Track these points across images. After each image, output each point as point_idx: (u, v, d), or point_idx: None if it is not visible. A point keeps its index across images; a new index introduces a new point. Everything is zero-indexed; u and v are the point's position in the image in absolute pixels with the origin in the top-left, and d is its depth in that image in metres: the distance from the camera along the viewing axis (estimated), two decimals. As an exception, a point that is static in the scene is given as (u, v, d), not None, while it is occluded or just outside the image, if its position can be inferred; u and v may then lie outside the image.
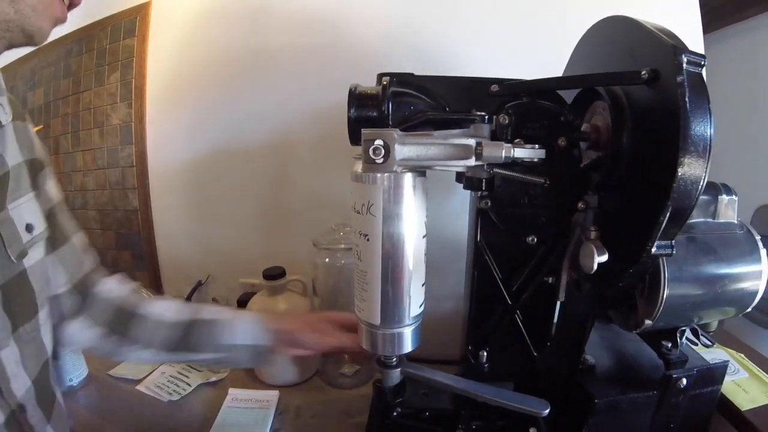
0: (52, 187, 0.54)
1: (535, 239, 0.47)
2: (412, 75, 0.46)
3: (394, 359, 0.51)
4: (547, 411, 0.47)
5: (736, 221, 0.53)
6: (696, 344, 0.61)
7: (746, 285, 0.50)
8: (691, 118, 0.35)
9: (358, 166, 0.42)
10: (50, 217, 0.52)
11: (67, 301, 0.56)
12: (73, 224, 0.57)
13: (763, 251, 0.50)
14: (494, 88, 0.45)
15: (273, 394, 0.73)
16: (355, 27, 0.77)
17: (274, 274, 0.77)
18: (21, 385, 0.45)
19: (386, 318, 0.45)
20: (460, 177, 0.52)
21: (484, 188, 0.43)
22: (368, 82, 0.74)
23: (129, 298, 0.60)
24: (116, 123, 0.90)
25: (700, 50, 0.78)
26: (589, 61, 0.52)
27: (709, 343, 0.55)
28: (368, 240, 0.43)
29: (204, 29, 0.84)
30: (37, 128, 0.97)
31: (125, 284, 0.62)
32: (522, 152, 0.39)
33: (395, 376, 0.52)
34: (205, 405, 0.72)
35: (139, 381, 0.77)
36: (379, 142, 0.37)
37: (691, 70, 0.36)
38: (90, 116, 0.93)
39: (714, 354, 0.57)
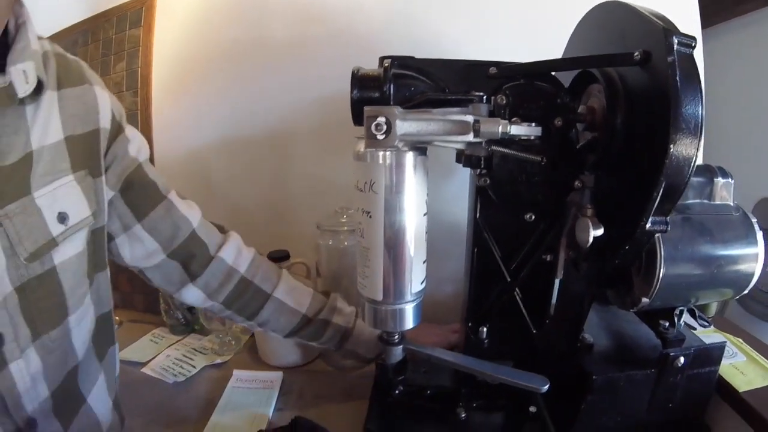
0: (134, 149, 0.52)
1: (533, 216, 0.50)
2: (412, 58, 0.48)
3: (396, 336, 0.53)
4: (547, 387, 0.48)
5: (732, 203, 0.54)
6: (695, 328, 0.63)
7: (742, 266, 0.51)
8: (683, 97, 0.37)
9: (361, 145, 0.44)
10: (130, 182, 0.50)
11: (170, 271, 0.56)
12: (163, 181, 0.56)
13: (759, 233, 0.52)
14: (492, 70, 0.47)
15: (277, 375, 0.75)
16: (354, 16, 0.80)
17: (279, 256, 0.79)
18: (34, 398, 0.42)
19: (388, 294, 0.47)
20: (460, 157, 0.54)
21: (483, 166, 0.45)
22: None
23: (249, 270, 0.60)
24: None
25: (699, 44, 0.80)
26: (584, 46, 0.54)
27: (706, 323, 0.57)
28: (370, 217, 0.45)
29: (208, 20, 0.87)
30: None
31: (244, 251, 0.62)
32: (518, 129, 0.41)
33: (398, 352, 0.54)
34: (210, 386, 0.75)
35: (144, 364, 0.80)
36: (381, 118, 0.39)
37: (682, 50, 0.38)
38: None
39: (712, 338, 0.58)
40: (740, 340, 0.64)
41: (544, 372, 0.50)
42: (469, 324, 0.56)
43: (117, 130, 0.50)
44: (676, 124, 0.37)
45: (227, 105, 0.89)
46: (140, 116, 0.91)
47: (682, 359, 0.52)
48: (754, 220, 0.53)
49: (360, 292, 0.51)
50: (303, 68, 0.84)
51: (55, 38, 0.97)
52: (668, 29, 0.38)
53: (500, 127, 0.40)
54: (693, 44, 0.38)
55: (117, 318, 0.95)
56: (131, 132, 0.53)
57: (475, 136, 0.40)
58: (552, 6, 0.75)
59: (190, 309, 0.91)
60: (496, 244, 0.52)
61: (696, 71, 0.39)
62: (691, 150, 0.39)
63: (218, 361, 0.81)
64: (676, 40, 0.38)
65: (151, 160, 0.91)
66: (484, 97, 0.44)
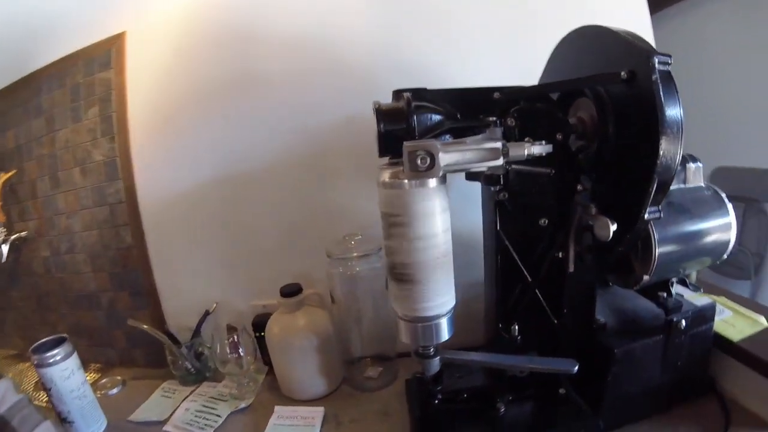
0: None
1: (546, 221, 0.59)
2: (425, 90, 0.55)
3: (432, 349, 0.61)
4: (576, 368, 0.58)
5: (703, 184, 0.67)
6: (682, 295, 0.76)
7: (719, 236, 0.64)
8: (666, 108, 0.48)
9: (387, 174, 0.50)
10: None
11: None
12: None
13: (729, 205, 0.65)
14: (496, 95, 0.56)
15: (318, 410, 0.80)
16: (341, 46, 0.87)
17: (291, 291, 0.84)
18: None
19: (427, 310, 0.54)
20: (470, 175, 0.63)
21: (502, 183, 0.54)
22: (359, 101, 0.85)
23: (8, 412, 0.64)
24: (99, 159, 0.93)
25: (648, 30, 0.94)
26: (566, 67, 0.65)
27: (698, 288, 0.69)
28: (407, 240, 0.51)
29: (186, 56, 0.89)
30: (8, 174, 0.99)
31: (9, 394, 0.66)
32: (538, 149, 0.50)
33: (435, 364, 0.61)
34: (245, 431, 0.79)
35: (164, 422, 0.82)
36: (423, 152, 0.45)
37: (662, 69, 0.49)
38: (69, 155, 0.95)
39: (700, 300, 0.71)
40: (723, 297, 0.77)
41: (567, 355, 0.59)
42: (500, 325, 0.64)
43: None
44: (662, 129, 0.48)
45: (214, 145, 0.92)
46: (120, 162, 0.92)
47: (683, 322, 0.64)
48: (723, 195, 0.66)
49: (395, 310, 0.58)
50: (294, 98, 0.89)
51: (17, 86, 0.98)
52: (650, 51, 0.48)
53: (525, 150, 0.49)
54: (669, 62, 0.49)
55: (119, 377, 0.97)
56: None
57: (504, 158, 0.48)
58: (526, 30, 0.86)
59: (198, 356, 0.94)
60: (514, 250, 0.61)
61: (673, 83, 0.49)
62: (676, 149, 0.50)
63: (243, 405, 0.84)
64: (657, 60, 0.48)
65: (135, 206, 0.95)
66: (498, 121, 0.53)
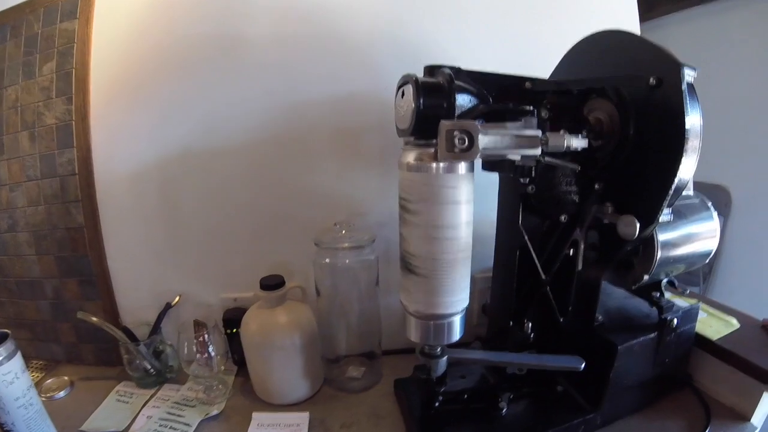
0: None
1: (566, 217, 0.61)
2: (460, 69, 0.53)
3: (439, 348, 0.60)
4: (583, 365, 0.60)
5: (692, 192, 0.73)
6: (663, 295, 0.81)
7: (707, 241, 0.69)
8: (690, 116, 0.51)
9: (411, 155, 0.49)
10: None
11: None
12: None
13: (714, 213, 0.71)
14: (528, 84, 0.57)
15: (302, 416, 0.75)
16: (338, 16, 0.81)
17: (273, 283, 0.78)
18: None
19: (442, 307, 0.53)
20: (487, 165, 0.63)
21: (533, 175, 0.55)
22: (356, 77, 0.83)
23: None
24: (51, 123, 0.80)
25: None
26: (586, 65, 0.67)
27: (685, 289, 0.75)
28: (435, 228, 0.50)
29: (161, 10, 0.80)
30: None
31: None
32: (576, 142, 0.51)
33: (442, 364, 0.60)
34: None
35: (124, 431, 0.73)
36: (462, 132, 0.44)
37: (689, 80, 0.52)
38: (16, 116, 0.81)
39: (677, 301, 0.76)
40: (695, 300, 0.84)
41: (568, 353, 0.61)
42: (511, 322, 0.65)
43: None
44: (687, 137, 0.51)
45: (189, 113, 0.83)
46: (75, 128, 0.80)
47: (675, 320, 0.69)
48: (709, 203, 0.72)
49: (405, 306, 0.56)
50: (280, 73, 0.82)
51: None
52: (680, 62, 0.51)
53: (565, 141, 0.49)
54: (695, 74, 0.52)
55: (66, 378, 0.86)
56: None
57: (543, 148, 0.48)
58: (528, 18, 0.88)
59: (158, 355, 0.86)
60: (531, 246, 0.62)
61: (696, 94, 0.53)
62: (695, 156, 0.53)
63: (214, 412, 0.77)
64: (686, 71, 0.51)
65: (90, 179, 0.85)
66: (534, 110, 0.53)
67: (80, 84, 0.80)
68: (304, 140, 0.85)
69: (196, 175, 0.86)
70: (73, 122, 0.81)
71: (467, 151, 0.44)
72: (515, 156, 0.50)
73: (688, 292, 0.75)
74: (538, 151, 0.48)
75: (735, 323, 0.79)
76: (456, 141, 0.44)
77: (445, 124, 0.44)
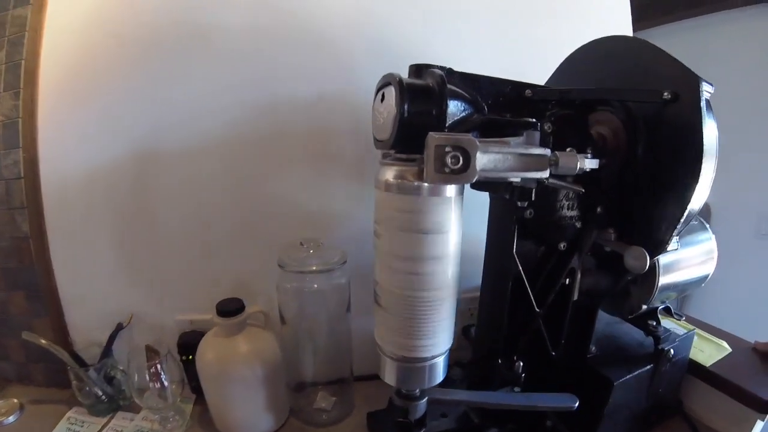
0: None
1: (566, 245, 0.53)
2: (451, 70, 0.44)
3: (418, 390, 0.52)
4: (577, 404, 0.53)
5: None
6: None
7: (706, 265, 0.64)
8: (708, 135, 0.45)
9: (390, 174, 0.40)
10: None
11: None
12: None
13: (713, 235, 0.65)
14: (528, 92, 0.49)
15: None
16: (314, 11, 0.72)
17: (232, 309, 0.67)
18: None
19: (426, 349, 0.45)
20: (474, 184, 0.55)
21: (533, 198, 0.47)
22: (334, 73, 0.73)
23: None
24: None
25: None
26: (585, 73, 0.60)
27: (681, 316, 0.69)
28: (414, 260, 0.41)
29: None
30: None
31: None
32: (590, 163, 0.43)
33: (422, 407, 0.53)
34: None
35: None
36: (456, 148, 0.35)
37: (706, 97, 0.45)
38: None
39: (669, 326, 0.71)
40: (684, 322, 0.79)
41: (557, 387, 0.54)
42: (499, 360, 0.57)
43: None
44: (702, 158, 0.45)
45: (148, 109, 0.71)
46: (22, 126, 0.68)
47: (672, 350, 0.63)
48: (707, 224, 0.66)
49: (381, 347, 0.48)
50: (248, 67, 0.71)
51: None
52: (700, 77, 0.44)
53: (578, 163, 0.41)
54: (711, 90, 0.46)
55: (16, 400, 0.75)
56: None
57: (552, 170, 0.40)
58: (515, 20, 0.79)
59: (110, 380, 0.75)
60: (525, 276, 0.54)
61: (713, 112, 0.46)
62: (711, 177, 0.47)
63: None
64: (704, 87, 0.44)
65: (36, 184, 0.73)
66: (538, 124, 0.45)
67: (29, 77, 0.68)
68: (271, 143, 0.75)
69: (151, 180, 0.74)
70: (20, 119, 0.69)
71: (461, 173, 0.36)
72: (517, 178, 0.42)
73: (683, 318, 0.69)
74: (546, 174, 0.40)
75: (727, 347, 0.74)
76: (448, 160, 0.35)
77: (434, 138, 0.35)
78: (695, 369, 0.71)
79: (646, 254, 0.47)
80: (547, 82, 0.65)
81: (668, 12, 1.43)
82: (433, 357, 0.46)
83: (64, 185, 0.73)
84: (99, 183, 0.73)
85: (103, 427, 0.72)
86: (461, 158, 0.35)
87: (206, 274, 0.79)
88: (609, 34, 0.58)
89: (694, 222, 0.65)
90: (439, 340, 0.46)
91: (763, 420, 0.66)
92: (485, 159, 0.37)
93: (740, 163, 1.56)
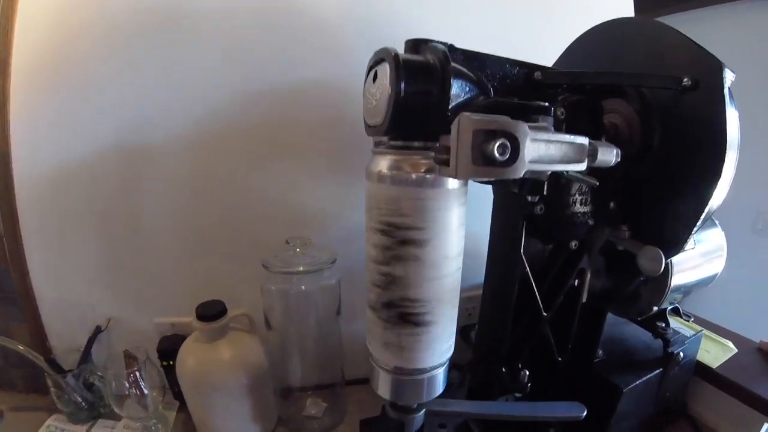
0: None
1: (577, 244, 0.49)
2: (454, 47, 0.38)
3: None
4: (585, 413, 0.49)
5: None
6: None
7: (716, 263, 0.60)
8: (730, 125, 0.41)
9: (384, 164, 0.36)
10: None
11: None
12: None
13: (722, 233, 0.61)
14: (537, 74, 0.43)
15: None
16: None
17: (213, 313, 0.62)
18: None
19: (426, 360, 0.41)
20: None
21: (544, 192, 0.42)
22: (320, 58, 0.67)
23: None
24: None
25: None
26: (599, 56, 0.55)
27: (690, 317, 0.66)
28: (418, 262, 0.36)
29: None
30: None
31: None
32: (618, 155, 0.38)
33: (419, 420, 0.48)
34: None
35: None
36: (504, 134, 0.28)
37: (729, 84, 0.41)
38: None
39: (677, 327, 0.67)
40: (691, 323, 0.76)
41: (562, 394, 0.50)
42: (503, 369, 0.53)
43: None
44: (726, 150, 0.41)
45: (126, 101, 0.65)
46: None
47: (681, 354, 0.59)
48: (716, 221, 0.62)
49: (377, 359, 0.43)
50: (230, 55, 0.65)
51: None
52: (723, 63, 0.40)
53: (614, 156, 0.36)
54: (732, 78, 0.41)
55: None
56: None
57: (590, 162, 0.35)
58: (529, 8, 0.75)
59: (90, 386, 0.71)
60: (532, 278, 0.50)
61: (734, 101, 0.42)
62: (732, 172, 0.43)
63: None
64: (727, 73, 0.40)
65: (9, 181, 0.66)
66: (551, 109, 0.40)
67: (1, 68, 0.62)
68: (254, 136, 0.69)
69: (129, 177, 0.68)
70: None
71: (509, 165, 0.29)
72: (549, 170, 0.36)
73: (692, 320, 0.66)
74: (583, 166, 0.35)
75: (732, 347, 0.71)
76: (493, 149, 0.28)
77: (469, 119, 0.28)
78: (702, 371, 0.67)
79: (662, 256, 0.43)
80: (554, 65, 0.60)
81: (665, 5, 1.40)
82: (433, 368, 0.42)
83: (39, 182, 0.68)
84: (75, 181, 0.68)
85: (84, 434, 0.67)
86: (509, 148, 0.29)
87: (188, 275, 0.74)
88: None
89: (705, 218, 0.62)
90: (448, 346, 0.42)
91: (770, 423, 0.63)
92: (534, 148, 0.31)
93: (738, 159, 1.55)
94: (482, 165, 0.29)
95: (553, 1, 0.76)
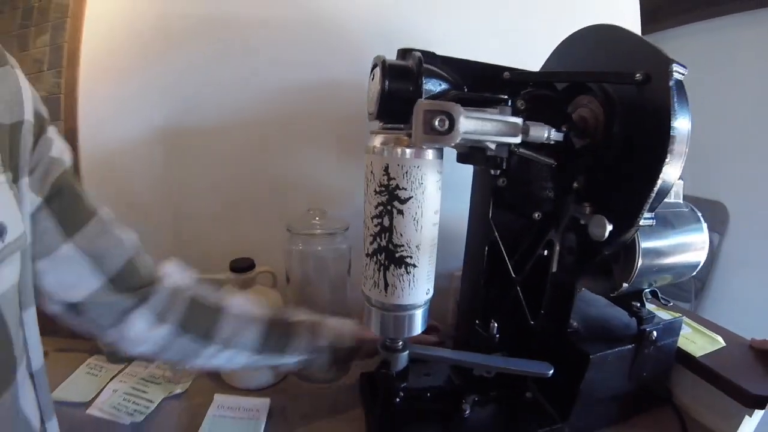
0: (57, 150, 0.43)
1: (540, 215, 0.56)
2: (434, 54, 0.49)
3: (400, 342, 0.56)
4: (551, 371, 0.55)
5: (681, 201, 0.67)
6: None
7: (694, 252, 0.64)
8: (678, 115, 0.46)
9: (378, 140, 0.45)
10: (58, 189, 0.42)
11: (110, 301, 0.47)
12: (91, 195, 0.47)
13: (704, 224, 0.65)
14: (506, 74, 0.52)
15: (263, 403, 0.71)
16: (327, 2, 0.79)
17: (243, 266, 0.75)
18: None
19: (405, 297, 0.49)
20: (462, 157, 0.59)
21: (504, 167, 0.50)
22: (342, 62, 0.79)
23: (199, 288, 0.55)
24: (41, 95, 0.79)
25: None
26: (575, 60, 0.62)
27: (667, 301, 0.69)
28: (400, 215, 0.46)
29: None
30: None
31: (186, 271, 0.56)
32: (556, 135, 0.46)
33: (403, 359, 0.56)
34: (176, 422, 0.68)
35: (88, 404, 0.70)
36: (443, 113, 0.39)
37: (678, 77, 0.47)
38: None
39: (659, 314, 0.71)
40: (679, 314, 0.78)
41: (539, 358, 0.56)
42: (477, 321, 0.60)
43: (41, 125, 0.41)
44: (672, 136, 0.46)
45: (175, 91, 0.80)
46: (63, 102, 0.78)
47: (654, 333, 0.63)
48: (699, 213, 0.66)
49: (367, 295, 0.51)
50: (270, 51, 0.80)
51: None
52: (669, 57, 0.46)
53: (546, 132, 0.45)
54: (685, 72, 0.47)
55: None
56: (53, 132, 0.44)
57: (523, 137, 0.44)
58: (517, 9, 0.84)
59: None
60: (502, 243, 0.57)
61: (685, 93, 0.48)
62: (681, 157, 0.48)
63: (178, 391, 0.74)
64: (674, 67, 0.46)
65: (76, 156, 0.81)
66: (510, 101, 0.48)
67: (71, 57, 0.78)
68: (284, 126, 0.83)
69: (176, 154, 0.83)
70: (62, 95, 0.78)
71: (447, 134, 0.39)
72: (491, 145, 0.46)
73: (671, 304, 0.69)
74: (517, 139, 0.44)
75: (721, 341, 0.72)
76: (436, 123, 0.39)
77: (423, 104, 0.39)
78: (685, 359, 0.70)
79: (606, 222, 0.49)
80: (543, 66, 0.68)
81: (688, 10, 1.40)
82: (413, 306, 0.50)
83: (100, 155, 0.82)
84: (128, 154, 0.83)
85: (119, 372, 0.79)
86: (447, 121, 0.39)
87: (221, 238, 0.88)
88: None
89: (684, 209, 0.66)
90: (427, 288, 0.50)
91: (750, 415, 0.64)
92: (467, 123, 0.40)
93: (760, 165, 1.50)
94: (430, 134, 0.39)
95: (564, 23, 0.83)
